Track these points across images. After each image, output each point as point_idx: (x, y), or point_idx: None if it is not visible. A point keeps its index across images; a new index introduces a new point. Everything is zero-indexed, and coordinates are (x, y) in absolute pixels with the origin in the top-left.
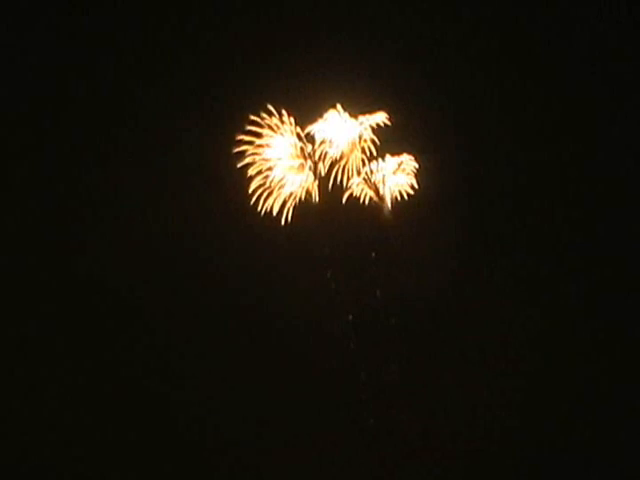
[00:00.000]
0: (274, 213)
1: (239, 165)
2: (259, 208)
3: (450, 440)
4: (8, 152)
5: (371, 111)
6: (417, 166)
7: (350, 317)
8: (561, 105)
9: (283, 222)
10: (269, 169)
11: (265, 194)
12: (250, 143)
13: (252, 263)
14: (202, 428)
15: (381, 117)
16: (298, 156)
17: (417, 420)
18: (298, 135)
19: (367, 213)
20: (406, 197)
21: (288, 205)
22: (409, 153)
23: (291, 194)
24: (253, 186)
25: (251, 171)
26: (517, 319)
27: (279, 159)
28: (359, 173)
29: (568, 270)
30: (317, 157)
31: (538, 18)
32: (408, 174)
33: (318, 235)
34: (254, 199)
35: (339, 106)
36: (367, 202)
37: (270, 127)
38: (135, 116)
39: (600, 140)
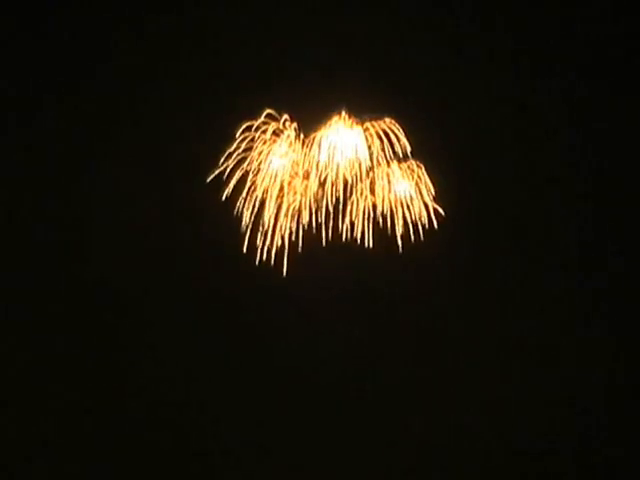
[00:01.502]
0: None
1: (224, 195)
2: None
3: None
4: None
5: (378, 117)
6: (425, 173)
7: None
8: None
9: (285, 273)
10: (263, 202)
11: (260, 239)
12: (247, 150)
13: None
14: (204, 433)
15: (388, 123)
16: (303, 164)
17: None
18: (302, 142)
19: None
20: (411, 204)
21: (286, 226)
22: (416, 159)
23: (293, 203)
24: (244, 225)
25: (240, 203)
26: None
27: (276, 175)
28: (362, 180)
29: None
30: (323, 165)
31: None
32: (414, 180)
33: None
34: (247, 242)
35: (344, 112)
36: (371, 209)
37: (273, 133)
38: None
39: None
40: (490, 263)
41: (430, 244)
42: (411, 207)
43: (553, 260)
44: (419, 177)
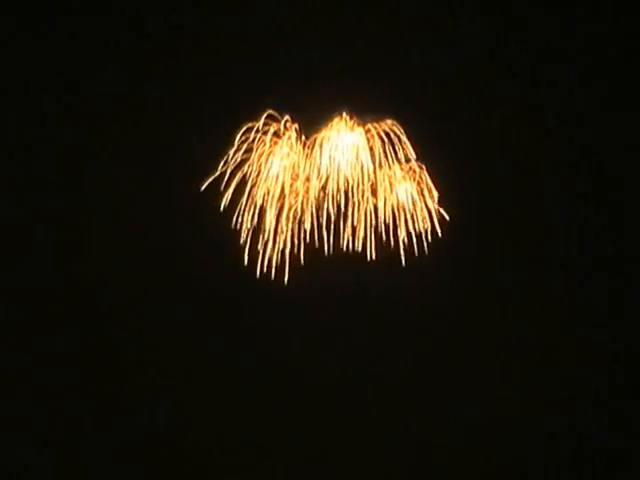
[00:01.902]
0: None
1: (223, 204)
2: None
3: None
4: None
5: (379, 119)
6: (427, 175)
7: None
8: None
9: (286, 282)
10: (262, 210)
11: (260, 248)
12: (247, 152)
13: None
14: (203, 434)
15: (390, 125)
16: (304, 166)
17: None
18: (304, 143)
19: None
20: (414, 210)
21: (287, 234)
22: (418, 161)
23: (295, 204)
24: (243, 237)
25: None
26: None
27: (277, 178)
28: (363, 182)
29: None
30: (324, 167)
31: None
32: (416, 181)
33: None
34: (247, 252)
35: (345, 114)
36: (373, 214)
37: (274, 134)
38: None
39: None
40: (492, 264)
41: (432, 246)
42: (414, 214)
43: (555, 260)
44: (421, 178)
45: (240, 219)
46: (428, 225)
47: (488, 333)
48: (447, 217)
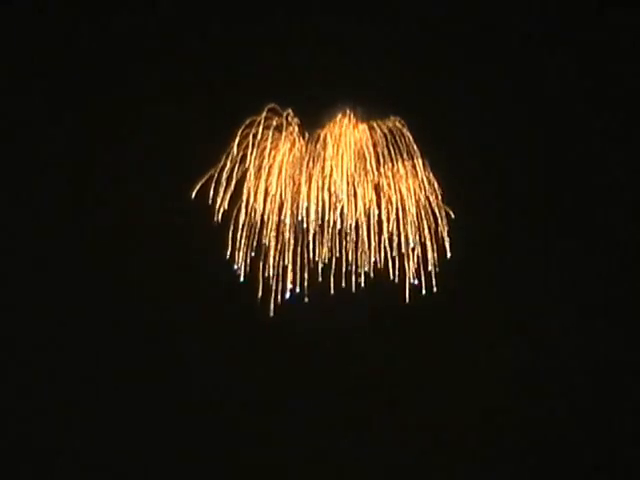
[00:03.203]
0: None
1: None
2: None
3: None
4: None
5: (384, 116)
6: (431, 173)
7: None
8: None
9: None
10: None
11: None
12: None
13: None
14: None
15: (393, 122)
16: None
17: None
18: (307, 140)
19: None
20: (415, 203)
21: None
22: (422, 159)
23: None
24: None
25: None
26: None
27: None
28: (367, 180)
29: None
30: (328, 165)
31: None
32: (420, 179)
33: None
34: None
35: (349, 111)
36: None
37: (276, 128)
38: None
39: None
40: (494, 263)
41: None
42: (419, 212)
43: (559, 259)
44: (425, 176)
45: (239, 233)
46: (432, 224)
47: (491, 333)
48: (452, 215)
